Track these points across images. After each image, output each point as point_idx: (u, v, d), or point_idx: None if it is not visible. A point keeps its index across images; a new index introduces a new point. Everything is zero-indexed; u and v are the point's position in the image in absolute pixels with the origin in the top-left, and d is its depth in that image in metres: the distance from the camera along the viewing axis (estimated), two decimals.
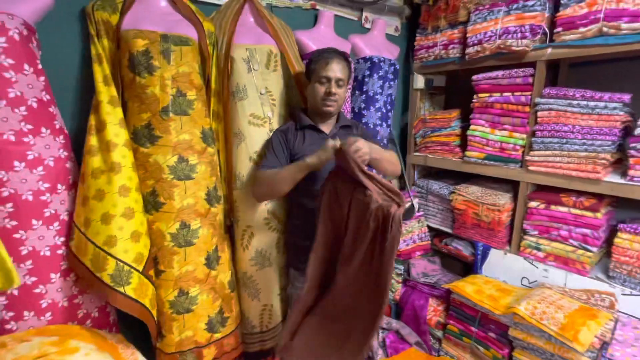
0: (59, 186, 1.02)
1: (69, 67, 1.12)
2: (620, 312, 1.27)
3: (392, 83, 1.77)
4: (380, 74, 1.70)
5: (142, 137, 1.11)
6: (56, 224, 1.02)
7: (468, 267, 1.79)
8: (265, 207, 1.32)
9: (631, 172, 1.23)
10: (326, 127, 1.27)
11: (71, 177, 1.05)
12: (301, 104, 1.38)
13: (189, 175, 1.16)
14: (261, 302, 1.35)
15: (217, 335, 1.26)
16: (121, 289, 1.01)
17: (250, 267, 1.32)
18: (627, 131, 1.30)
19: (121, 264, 1.02)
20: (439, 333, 1.66)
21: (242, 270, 1.33)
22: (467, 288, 1.52)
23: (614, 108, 1.24)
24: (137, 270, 1.05)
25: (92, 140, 1.03)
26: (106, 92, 1.05)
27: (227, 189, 1.32)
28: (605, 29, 1.22)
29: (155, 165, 1.12)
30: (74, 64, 1.12)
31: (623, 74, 1.47)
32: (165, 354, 1.18)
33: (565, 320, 1.19)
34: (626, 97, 1.23)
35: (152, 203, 1.14)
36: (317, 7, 1.60)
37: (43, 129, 0.98)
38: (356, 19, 1.78)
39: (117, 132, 1.05)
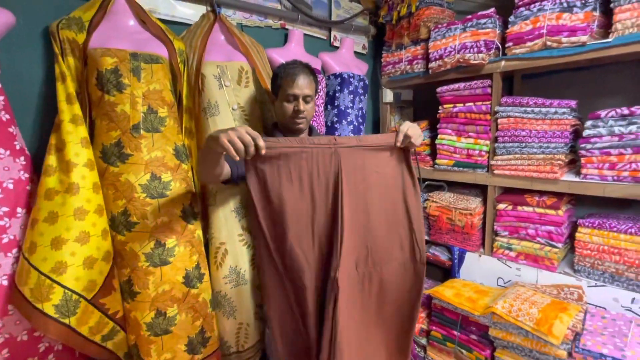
0: (19, 210, 0.96)
1: (32, 86, 1.08)
2: (588, 303, 1.34)
3: (362, 97, 1.84)
4: (350, 89, 1.77)
5: (111, 156, 1.08)
6: (15, 250, 0.95)
7: (446, 272, 1.83)
8: (239, 224, 1.30)
9: (584, 171, 1.33)
10: None
11: (32, 200, 1.00)
12: (274, 119, 1.40)
13: (162, 193, 1.13)
14: (237, 320, 1.30)
15: (199, 357, 1.20)
16: (66, 321, 0.94)
17: (224, 286, 1.28)
18: (576, 134, 1.42)
19: (69, 292, 0.96)
20: (423, 340, 1.66)
21: (216, 289, 1.29)
22: (446, 292, 1.54)
23: (563, 113, 1.35)
24: (85, 299, 0.99)
25: (50, 160, 0.99)
26: (68, 111, 1.02)
27: (200, 206, 1.30)
28: (549, 43, 1.35)
29: (126, 184, 1.09)
30: (37, 83, 1.09)
31: (568, 82, 1.62)
32: None
33: (539, 315, 1.23)
34: (572, 103, 1.35)
35: (123, 223, 1.09)
36: (287, 26, 1.66)
37: (1, 150, 0.93)
38: (325, 37, 1.86)
39: (77, 152, 1.01)
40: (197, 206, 1.25)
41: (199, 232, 1.25)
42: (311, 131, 1.33)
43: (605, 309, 1.31)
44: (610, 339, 1.16)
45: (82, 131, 1.04)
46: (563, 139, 1.36)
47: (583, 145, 1.32)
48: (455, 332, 1.52)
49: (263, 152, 0.76)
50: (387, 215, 0.88)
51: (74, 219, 0.98)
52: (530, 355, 1.28)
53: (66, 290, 0.95)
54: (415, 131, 0.88)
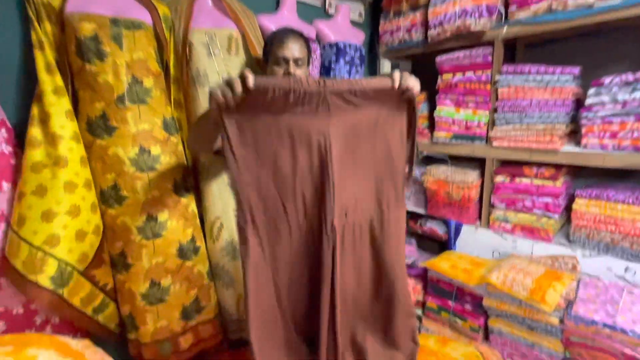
0: (4, 184, 0.94)
1: (9, 54, 1.03)
2: (582, 273, 1.35)
3: (359, 68, 1.77)
4: (347, 59, 1.70)
5: (97, 128, 1.05)
6: (3, 225, 0.93)
7: (443, 246, 1.84)
8: (234, 198, 1.28)
9: (584, 141, 1.30)
10: None
11: (19, 174, 0.97)
12: None
13: (152, 167, 1.11)
14: (236, 292, 1.31)
15: (192, 323, 1.23)
16: (60, 292, 0.96)
17: (222, 259, 1.28)
18: (578, 103, 1.38)
19: (64, 264, 0.97)
20: (419, 311, 1.69)
21: (214, 262, 1.29)
22: (442, 264, 1.56)
23: (566, 81, 1.31)
24: (78, 271, 1.01)
25: (34, 132, 0.96)
26: (49, 81, 0.98)
27: (193, 180, 1.28)
28: (554, 6, 1.28)
29: (114, 157, 1.06)
30: (15, 51, 1.03)
31: (573, 51, 1.56)
32: (142, 344, 1.15)
33: (533, 285, 1.24)
34: (576, 70, 1.30)
35: (114, 197, 1.08)
36: None
37: None
38: (319, 4, 1.77)
39: (63, 124, 0.98)
40: (189, 180, 1.23)
41: (193, 207, 1.23)
42: None
43: (598, 278, 1.32)
44: (602, 306, 1.18)
45: (66, 103, 1.01)
46: (564, 108, 1.32)
47: (585, 114, 1.28)
48: (450, 303, 1.54)
49: (251, 84, 0.71)
50: (374, 165, 0.86)
51: (64, 192, 0.97)
52: (522, 323, 1.30)
53: (60, 262, 0.96)
54: (412, 79, 0.81)
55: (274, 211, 0.82)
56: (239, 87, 0.71)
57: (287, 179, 0.81)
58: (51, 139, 0.97)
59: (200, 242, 1.25)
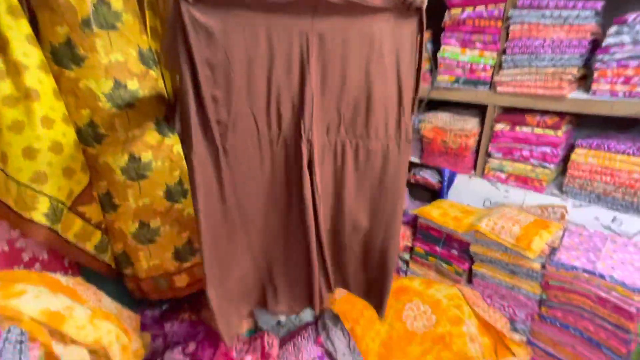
0: None
1: None
2: (569, 222, 1.37)
3: None
4: None
5: (63, 58, 0.94)
6: None
7: (435, 195, 1.85)
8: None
9: (594, 86, 1.22)
10: None
11: None
12: None
13: (130, 103, 1.02)
14: None
15: (187, 264, 1.26)
16: (56, 228, 0.96)
17: None
18: (594, 45, 1.27)
19: (55, 201, 0.95)
20: (407, 256, 1.75)
21: None
22: (433, 212, 1.57)
23: (586, 17, 1.18)
24: (66, 206, 1.00)
25: None
26: None
27: None
28: None
29: (87, 91, 0.97)
30: None
31: None
32: (139, 279, 1.19)
33: (520, 232, 1.26)
34: (598, 4, 1.17)
35: (92, 135, 1.02)
36: None
37: None
38: None
39: (26, 51, 0.87)
40: (172, 119, 1.15)
41: (178, 148, 1.17)
42: None
43: (584, 226, 1.35)
44: (585, 253, 1.21)
45: (25, 26, 0.89)
46: (579, 49, 1.21)
47: (600, 56, 1.19)
48: (437, 248, 1.59)
49: None
50: (370, 86, 0.77)
51: (42, 128, 0.91)
52: (505, 268, 1.35)
53: (52, 199, 0.95)
54: None
55: (245, 132, 0.75)
56: None
57: (261, 93, 0.73)
58: (14, 68, 0.87)
59: (188, 186, 1.22)
